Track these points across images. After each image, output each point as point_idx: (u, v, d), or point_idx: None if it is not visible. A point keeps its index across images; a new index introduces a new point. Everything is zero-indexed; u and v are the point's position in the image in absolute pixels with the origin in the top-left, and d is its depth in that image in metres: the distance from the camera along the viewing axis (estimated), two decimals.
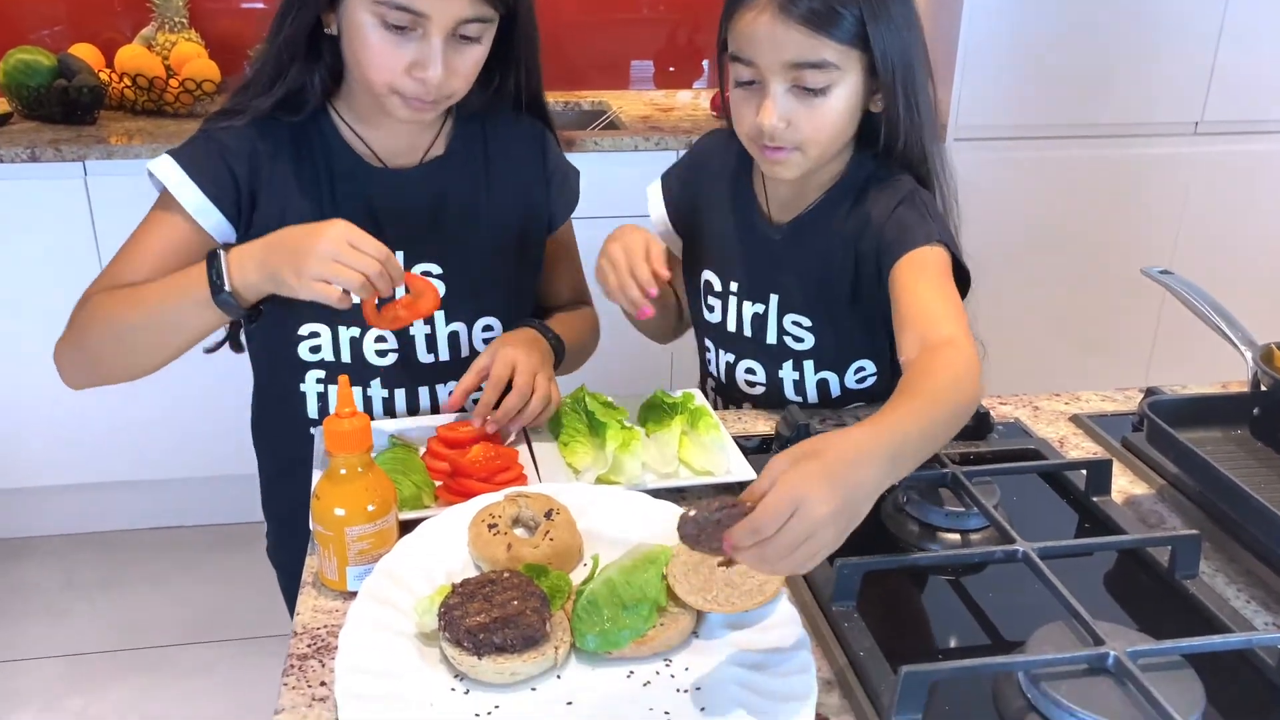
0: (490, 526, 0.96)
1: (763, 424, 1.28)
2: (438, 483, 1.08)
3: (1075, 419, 1.30)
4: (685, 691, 0.82)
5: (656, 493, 1.05)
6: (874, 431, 0.81)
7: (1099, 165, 2.67)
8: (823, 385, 1.29)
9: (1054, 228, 2.68)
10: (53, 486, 2.58)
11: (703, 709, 0.80)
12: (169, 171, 1.14)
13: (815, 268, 1.25)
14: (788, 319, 1.27)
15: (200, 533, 2.64)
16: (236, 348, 1.29)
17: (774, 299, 1.27)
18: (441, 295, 1.20)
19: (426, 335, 1.24)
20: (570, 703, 0.81)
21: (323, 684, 0.83)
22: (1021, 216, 2.64)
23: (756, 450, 1.21)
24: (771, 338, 1.28)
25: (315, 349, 1.22)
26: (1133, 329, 2.86)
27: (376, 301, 1.05)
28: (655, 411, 1.20)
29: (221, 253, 1.04)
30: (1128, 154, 2.68)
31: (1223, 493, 1.01)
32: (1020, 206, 2.64)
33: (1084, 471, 1.11)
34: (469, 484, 1.06)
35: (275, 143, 1.17)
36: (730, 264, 1.31)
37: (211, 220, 1.15)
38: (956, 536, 1.03)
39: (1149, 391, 1.29)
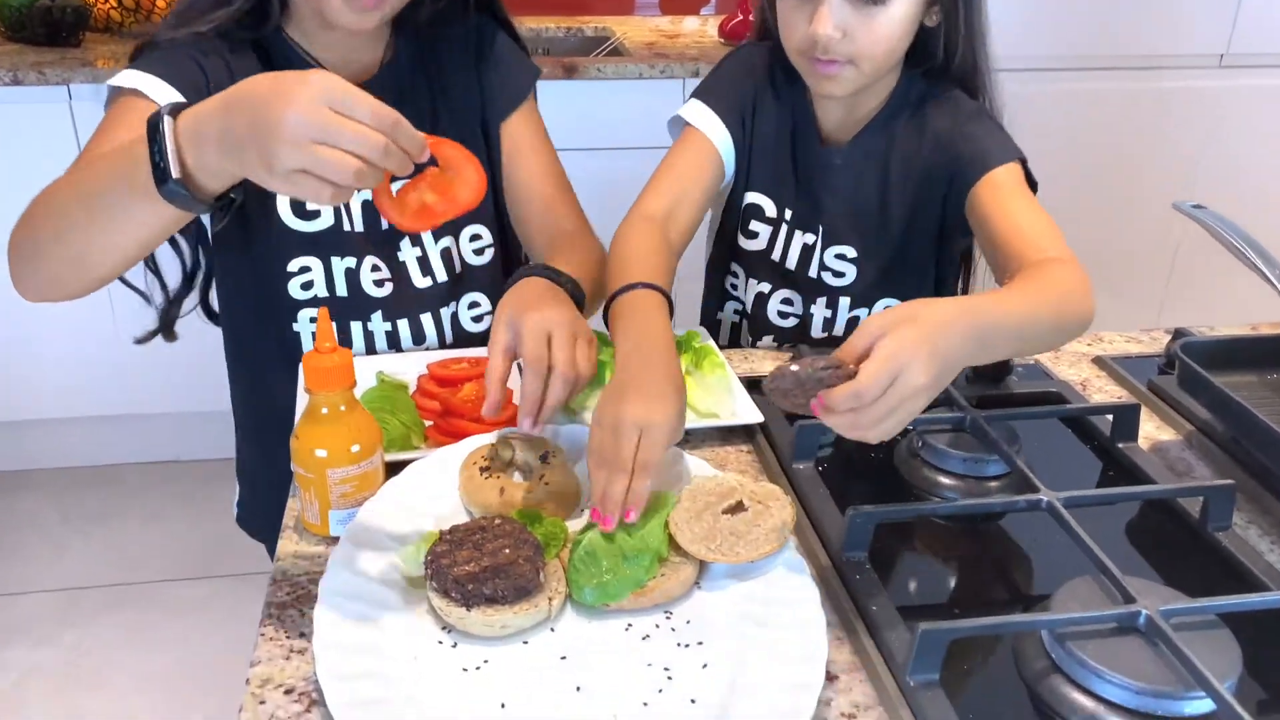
0: (482, 469, 0.91)
1: (770, 363, 1.22)
2: (428, 423, 1.03)
3: (1098, 361, 1.24)
4: (687, 646, 0.77)
5: (687, 433, 0.99)
6: (970, 306, 0.81)
7: (1122, 98, 2.58)
8: (851, 324, 1.23)
9: (1074, 162, 2.59)
10: (50, 419, 2.54)
11: (705, 665, 0.75)
12: (138, 78, 1.01)
13: (870, 191, 1.19)
14: (830, 252, 1.21)
15: (198, 467, 2.61)
16: (209, 314, 1.20)
17: (820, 229, 1.21)
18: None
19: (419, 258, 1.17)
20: (564, 657, 0.76)
21: (302, 635, 0.78)
22: (1042, 149, 2.54)
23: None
24: (813, 271, 1.23)
25: (307, 285, 1.14)
26: (1148, 268, 2.78)
27: (392, 184, 0.78)
28: (687, 354, 1.14)
29: (166, 119, 0.74)
30: (1151, 87, 2.58)
31: (1259, 440, 0.95)
32: (1041, 140, 2.53)
33: (1110, 416, 1.05)
34: (461, 424, 1.01)
35: (241, 56, 1.08)
36: (784, 189, 1.23)
37: None
38: (974, 484, 0.97)
39: (1177, 333, 1.22)
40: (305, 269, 1.14)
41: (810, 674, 0.71)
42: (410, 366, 1.12)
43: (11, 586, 2.25)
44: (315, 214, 1.12)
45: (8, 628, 2.14)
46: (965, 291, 1.32)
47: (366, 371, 1.10)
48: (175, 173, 0.74)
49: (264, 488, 1.23)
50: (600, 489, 0.82)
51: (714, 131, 1.19)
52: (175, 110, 0.75)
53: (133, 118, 0.97)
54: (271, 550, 1.12)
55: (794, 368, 0.75)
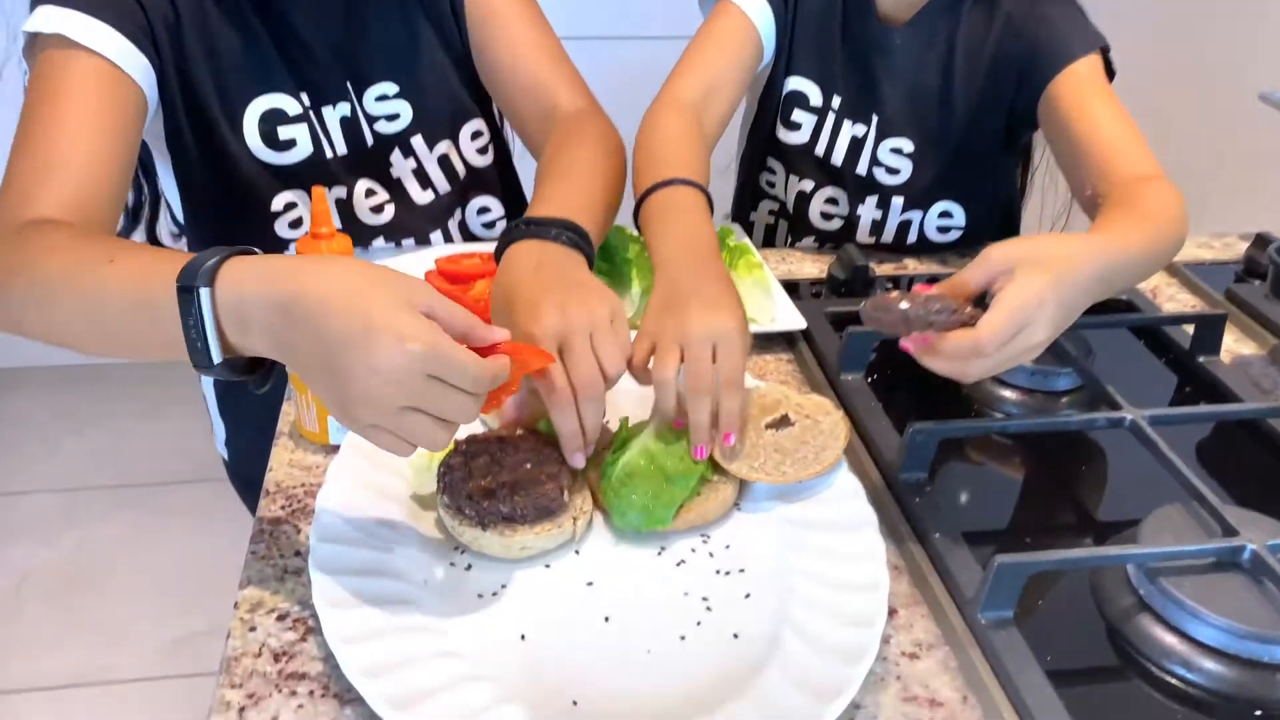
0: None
1: (810, 265, 1.12)
2: None
3: (1171, 268, 1.13)
4: (727, 573, 0.69)
5: None
6: (1102, 246, 0.73)
7: None
8: (903, 228, 1.12)
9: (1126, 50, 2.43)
10: None
11: (748, 595, 0.67)
12: (60, 19, 0.81)
13: (932, 77, 1.07)
14: (885, 146, 1.09)
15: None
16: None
17: (874, 120, 1.09)
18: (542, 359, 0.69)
19: (415, 170, 1.05)
20: (591, 583, 0.68)
21: (297, 554, 0.70)
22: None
23: (806, 295, 1.04)
24: (863, 167, 1.11)
25: (296, 222, 1.02)
26: (1197, 167, 2.64)
27: None
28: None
29: (203, 295, 0.59)
30: None
31: None
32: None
33: (1188, 327, 0.95)
34: None
35: None
36: (832, 74, 1.10)
37: (137, 64, 0.84)
38: (1042, 399, 0.88)
39: (1259, 239, 1.12)
40: (291, 205, 1.00)
41: (871, 608, 0.63)
42: (417, 263, 1.02)
43: (9, 486, 2.19)
44: (290, 143, 0.98)
45: (9, 527, 2.09)
46: (1024, 193, 1.21)
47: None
48: (219, 357, 0.61)
49: (253, 433, 1.01)
50: (667, 407, 0.72)
51: (751, 5, 1.06)
52: (211, 272, 0.59)
53: (77, 83, 0.80)
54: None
55: (904, 305, 0.67)
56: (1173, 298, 1.09)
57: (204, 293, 0.59)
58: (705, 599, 0.67)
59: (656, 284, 0.77)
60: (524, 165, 1.13)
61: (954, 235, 1.14)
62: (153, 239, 1.06)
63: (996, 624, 0.64)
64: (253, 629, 0.64)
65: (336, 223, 0.98)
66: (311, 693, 0.60)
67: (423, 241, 1.08)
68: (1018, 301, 0.65)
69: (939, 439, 0.76)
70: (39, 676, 1.81)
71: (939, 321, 0.67)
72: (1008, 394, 0.89)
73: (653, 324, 0.73)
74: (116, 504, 2.16)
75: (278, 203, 1.00)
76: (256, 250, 0.63)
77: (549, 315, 0.70)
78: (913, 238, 1.13)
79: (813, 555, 0.69)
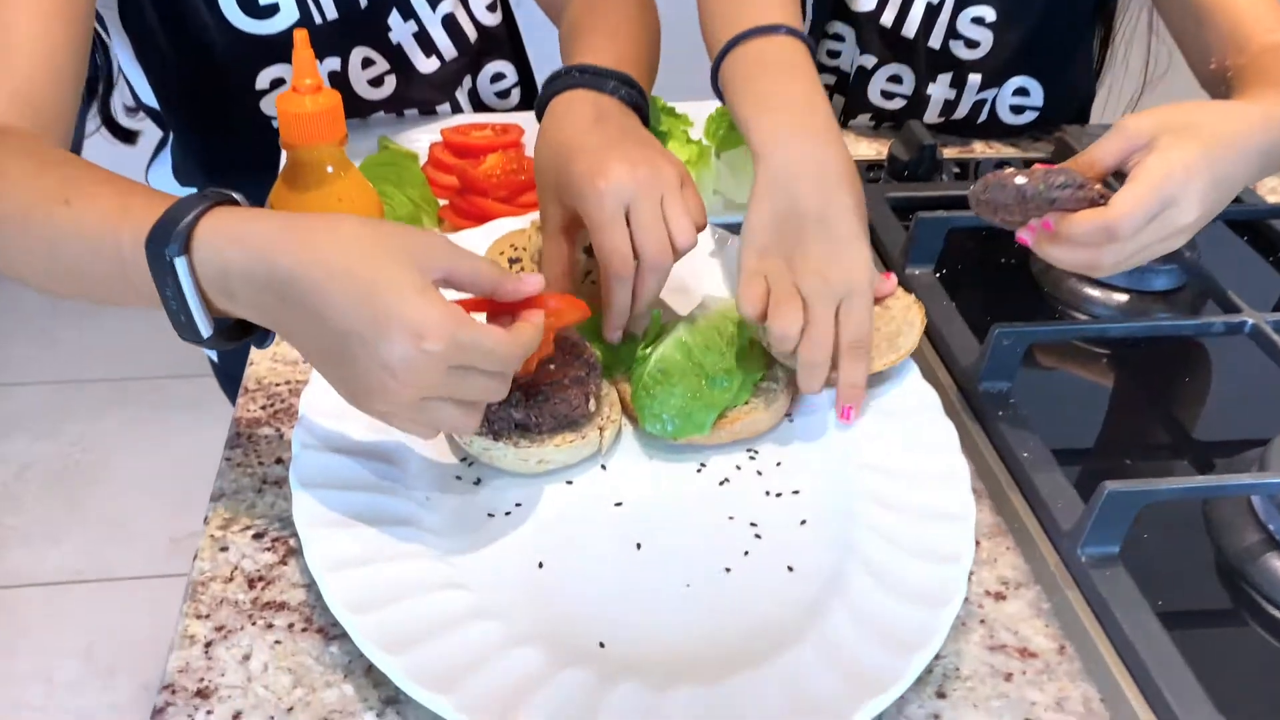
0: (512, 262, 0.71)
1: (866, 146, 0.99)
2: (442, 201, 0.82)
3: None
4: (779, 495, 0.59)
5: (734, 228, 0.78)
6: (1258, 115, 0.61)
7: None
8: (976, 108, 0.99)
9: None
10: None
11: (803, 521, 0.57)
12: None
13: None
14: (965, 15, 0.95)
15: None
16: (116, 131, 0.93)
17: None
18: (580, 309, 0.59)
19: (416, 34, 0.91)
20: (619, 504, 0.58)
21: (279, 462, 0.61)
22: None
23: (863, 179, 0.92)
24: (936, 40, 0.96)
25: None
26: None
27: None
28: (729, 124, 0.91)
29: (180, 265, 0.49)
30: None
31: None
32: None
33: None
34: (483, 203, 0.80)
35: None
36: None
37: None
38: (1136, 300, 0.77)
39: None
40: (279, 81, 0.88)
41: (955, 540, 0.53)
42: (421, 135, 0.90)
43: (6, 378, 2.12)
44: (271, 9, 0.84)
45: (7, 419, 2.03)
46: (1100, 72, 1.07)
47: (367, 138, 0.90)
48: (206, 331, 0.51)
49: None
50: (780, 356, 0.61)
51: None
52: (186, 235, 0.49)
53: None
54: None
55: (1020, 180, 0.57)
56: (1274, 189, 0.96)
57: (180, 263, 0.49)
58: (754, 525, 0.57)
59: (759, 184, 0.62)
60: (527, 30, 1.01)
61: (1028, 117, 1.00)
62: (107, 118, 0.94)
63: (1099, 561, 0.54)
64: (224, 549, 0.55)
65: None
66: (291, 626, 0.51)
67: (427, 113, 0.96)
68: (1161, 173, 0.54)
69: (1028, 343, 0.65)
70: (38, 572, 1.77)
71: (1064, 199, 0.55)
72: (1094, 293, 0.78)
73: (764, 259, 0.61)
74: (116, 398, 2.09)
75: (263, 79, 0.88)
76: (238, 197, 0.52)
77: (619, 172, 0.60)
78: (983, 118, 1.00)
79: (882, 476, 0.58)
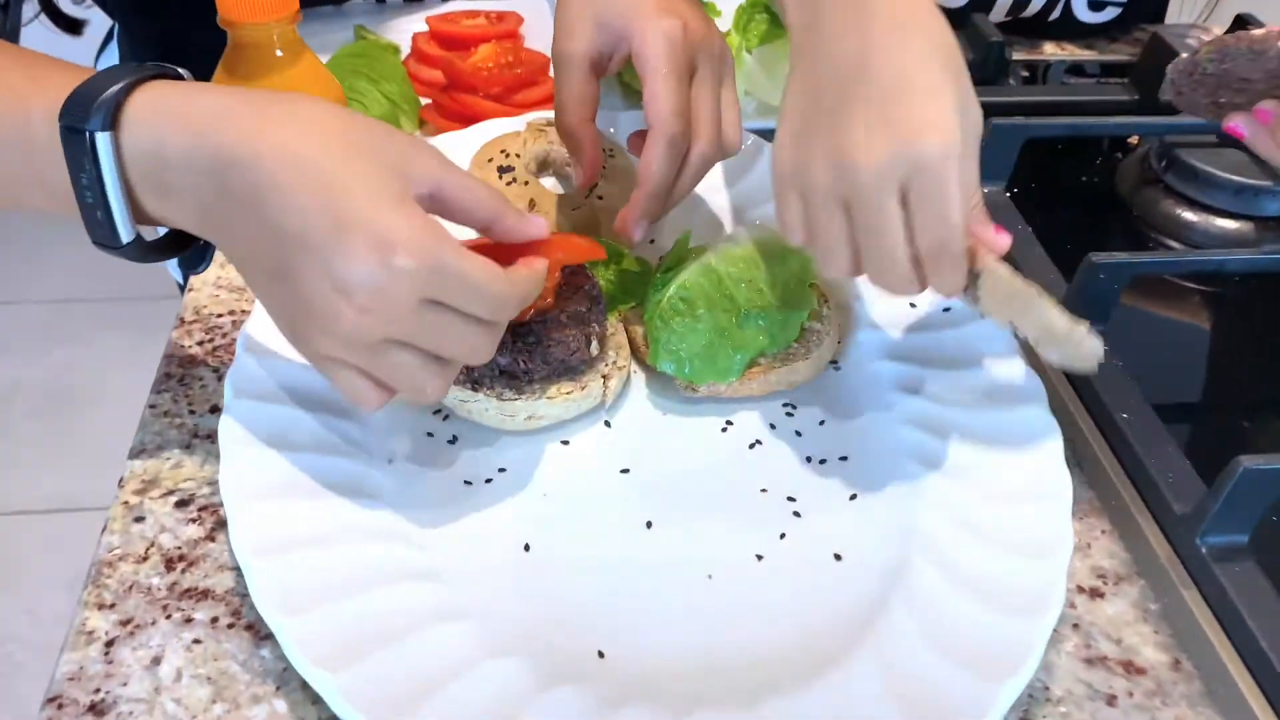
0: (503, 170, 0.60)
1: None
2: (425, 100, 0.70)
3: None
4: (823, 463, 0.48)
5: (767, 134, 0.66)
6: None
7: None
8: (1049, 4, 0.86)
9: None
10: None
11: (853, 497, 0.47)
12: None
13: None
14: None
15: None
16: (58, 19, 0.81)
17: None
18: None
19: None
20: (626, 470, 0.48)
21: (214, 410, 0.50)
22: None
23: None
24: None
25: None
26: None
27: None
28: (764, 13, 0.78)
29: (100, 138, 0.38)
30: None
31: None
32: None
33: None
34: (472, 101, 0.69)
35: None
36: None
37: None
38: (1245, 226, 0.64)
39: None
40: None
41: (1048, 526, 0.42)
42: (405, 24, 0.78)
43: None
44: None
45: None
46: None
47: (344, 27, 0.78)
48: (127, 233, 0.41)
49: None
50: (834, 278, 0.46)
51: None
52: (112, 106, 0.38)
53: None
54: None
55: (1221, 52, 0.46)
56: None
57: (103, 140, 0.38)
58: (791, 499, 0.46)
59: (791, 57, 0.46)
60: None
61: (1110, 14, 0.87)
62: (47, 4, 0.81)
63: (1224, 553, 0.43)
64: (140, 519, 0.45)
65: None
66: (214, 620, 0.41)
67: (413, 0, 0.84)
68: None
69: (1129, 276, 0.53)
70: (30, 499, 1.72)
71: (1235, 67, 0.43)
72: (1193, 217, 0.65)
73: (801, 156, 0.42)
74: (110, 319, 2.02)
75: None
76: (184, 73, 0.41)
77: (695, 26, 0.51)
78: (1055, 14, 0.87)
79: (950, 442, 0.47)
